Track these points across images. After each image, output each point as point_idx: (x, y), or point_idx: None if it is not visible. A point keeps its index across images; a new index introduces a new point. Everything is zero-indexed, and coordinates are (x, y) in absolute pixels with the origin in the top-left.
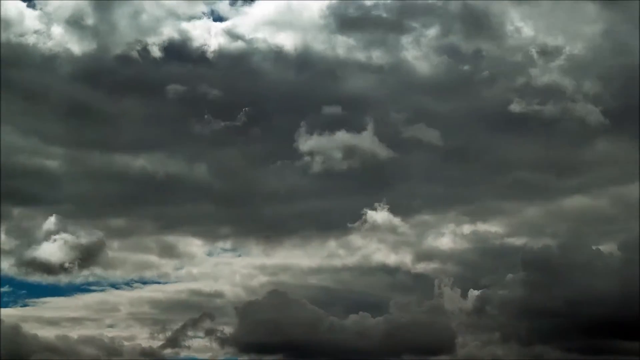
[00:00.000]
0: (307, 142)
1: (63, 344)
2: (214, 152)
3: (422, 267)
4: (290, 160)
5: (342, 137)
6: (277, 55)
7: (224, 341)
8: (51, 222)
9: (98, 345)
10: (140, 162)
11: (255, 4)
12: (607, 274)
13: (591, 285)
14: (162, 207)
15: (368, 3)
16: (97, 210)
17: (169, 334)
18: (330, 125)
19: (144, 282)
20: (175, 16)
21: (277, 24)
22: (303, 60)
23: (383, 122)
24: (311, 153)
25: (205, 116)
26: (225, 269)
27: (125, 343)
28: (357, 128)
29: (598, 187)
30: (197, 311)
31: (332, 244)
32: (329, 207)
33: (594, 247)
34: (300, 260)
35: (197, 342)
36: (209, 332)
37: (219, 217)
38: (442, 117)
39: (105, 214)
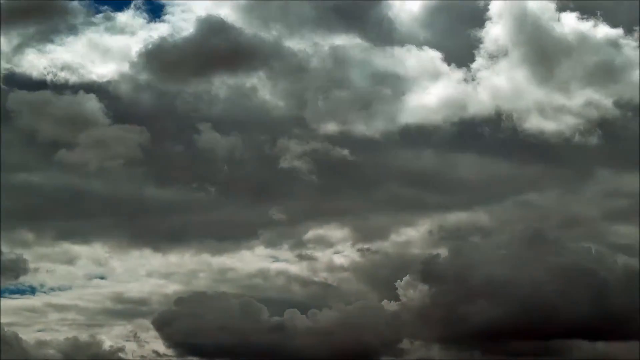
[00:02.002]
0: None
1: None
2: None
3: (325, 278)
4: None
5: None
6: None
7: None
8: None
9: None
10: (33, 179)
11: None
12: (503, 280)
13: (490, 293)
14: (64, 219)
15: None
16: (4, 224)
17: (103, 337)
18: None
19: (62, 289)
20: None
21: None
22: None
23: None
24: None
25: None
26: (135, 277)
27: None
28: None
29: (472, 204)
30: (125, 317)
31: (232, 254)
32: (224, 220)
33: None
34: (205, 268)
35: (133, 345)
36: (143, 338)
37: (119, 229)
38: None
39: (11, 227)
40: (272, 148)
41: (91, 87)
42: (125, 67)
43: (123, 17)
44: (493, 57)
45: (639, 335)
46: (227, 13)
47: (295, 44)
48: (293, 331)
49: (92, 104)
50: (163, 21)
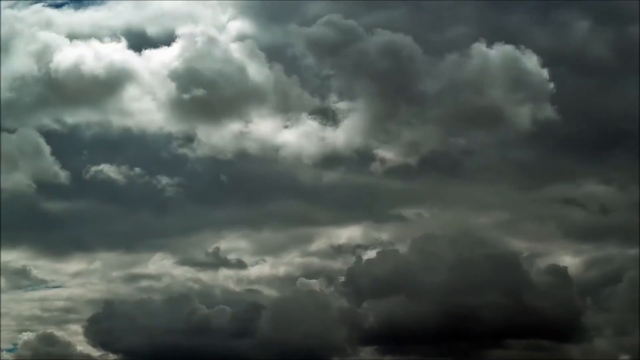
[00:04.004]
0: None
1: None
2: None
3: (234, 286)
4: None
5: None
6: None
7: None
8: None
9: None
10: None
11: None
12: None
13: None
14: None
15: None
16: None
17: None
18: None
19: None
20: None
21: None
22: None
23: None
24: None
25: None
26: (51, 286)
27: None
28: None
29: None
30: (55, 323)
31: (141, 263)
32: (127, 232)
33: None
34: (119, 276)
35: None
36: (77, 341)
37: (27, 240)
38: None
39: None
40: (162, 168)
41: None
42: None
43: None
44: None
45: (551, 334)
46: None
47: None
48: (226, 332)
49: None
50: None
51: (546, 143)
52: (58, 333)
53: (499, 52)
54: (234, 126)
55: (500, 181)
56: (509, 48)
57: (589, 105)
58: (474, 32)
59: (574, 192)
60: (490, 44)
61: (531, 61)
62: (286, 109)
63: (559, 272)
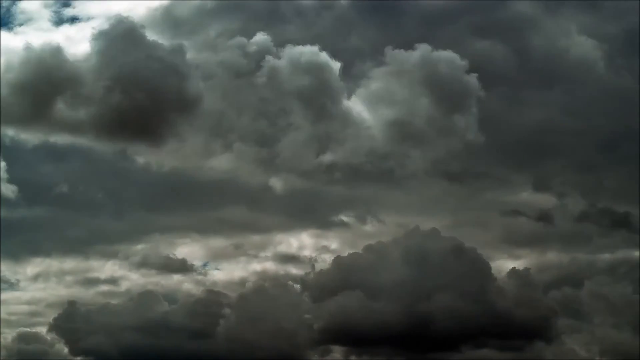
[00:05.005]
0: None
1: None
2: None
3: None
4: None
5: None
6: None
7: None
8: None
9: None
10: None
11: None
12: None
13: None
14: None
15: None
16: None
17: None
18: None
19: None
20: None
21: None
22: None
23: None
24: None
25: None
26: (11, 289)
27: None
28: None
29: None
30: (23, 324)
31: (96, 267)
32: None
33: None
34: (76, 279)
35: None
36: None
37: None
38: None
39: None
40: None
41: None
42: None
43: None
44: None
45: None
46: None
47: None
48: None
49: None
50: None
51: (477, 152)
52: (31, 333)
53: (416, 55)
54: (170, 144)
55: (435, 190)
56: (424, 49)
57: (510, 117)
58: (380, 38)
59: (511, 200)
60: (399, 48)
61: (453, 65)
62: (219, 132)
63: (521, 275)
